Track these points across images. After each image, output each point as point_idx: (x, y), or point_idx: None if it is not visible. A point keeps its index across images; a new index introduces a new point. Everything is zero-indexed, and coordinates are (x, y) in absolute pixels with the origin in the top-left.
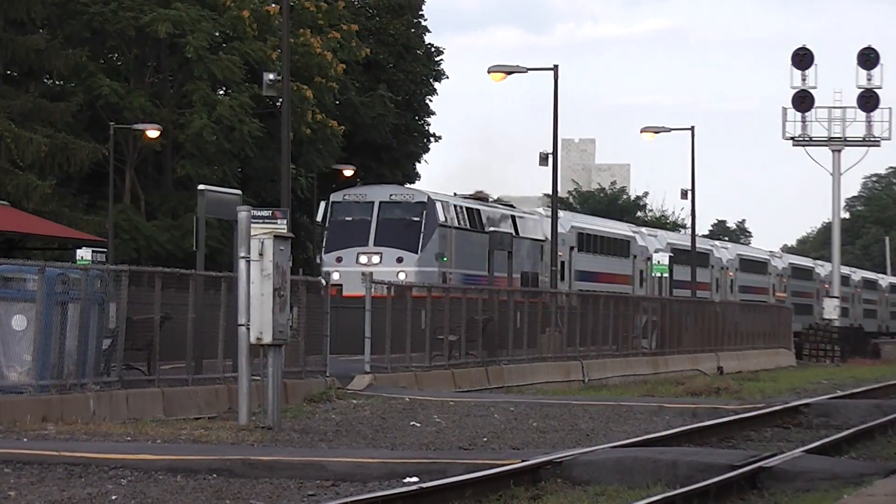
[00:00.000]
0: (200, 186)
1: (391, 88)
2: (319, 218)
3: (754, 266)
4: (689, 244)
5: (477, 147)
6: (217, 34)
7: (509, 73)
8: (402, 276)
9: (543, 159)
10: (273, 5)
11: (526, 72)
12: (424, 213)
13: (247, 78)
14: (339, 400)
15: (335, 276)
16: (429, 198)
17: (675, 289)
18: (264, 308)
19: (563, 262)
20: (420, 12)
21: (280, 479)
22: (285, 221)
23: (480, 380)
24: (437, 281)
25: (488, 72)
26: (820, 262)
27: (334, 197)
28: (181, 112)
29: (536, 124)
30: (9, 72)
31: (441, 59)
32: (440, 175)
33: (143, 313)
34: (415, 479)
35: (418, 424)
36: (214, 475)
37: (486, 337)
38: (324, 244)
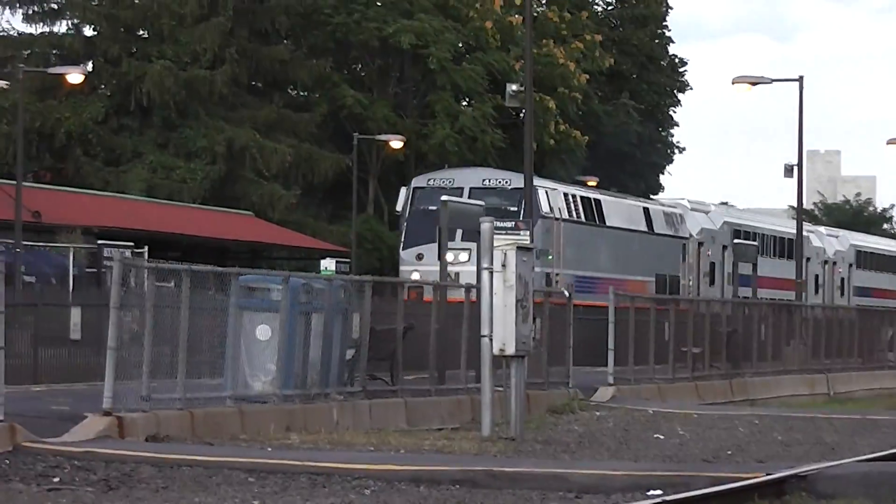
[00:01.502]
0: (443, 197)
1: (634, 99)
2: (399, 207)
3: None
4: (887, 247)
5: (721, 158)
6: (460, 45)
7: (754, 83)
8: None
9: (788, 171)
10: (516, 16)
11: (770, 83)
12: (524, 201)
13: (489, 88)
14: (581, 412)
15: (415, 277)
16: None
17: (861, 297)
18: (507, 319)
19: (712, 264)
20: (664, 23)
21: (522, 491)
22: (528, 233)
23: (724, 392)
24: (539, 283)
25: (732, 83)
26: None
27: (416, 182)
28: (424, 122)
29: (782, 134)
30: (253, 83)
31: (685, 70)
32: (684, 186)
33: (387, 323)
34: (658, 491)
35: (661, 437)
36: (457, 486)
37: (730, 349)
38: (402, 238)
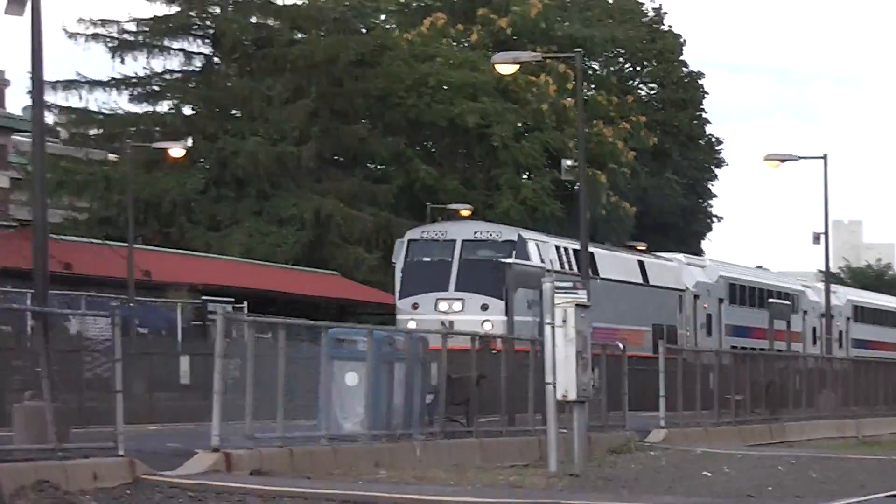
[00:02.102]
0: (509, 260)
1: (676, 174)
2: (395, 259)
3: None
4: (880, 302)
5: (756, 226)
6: (520, 125)
7: (783, 160)
8: (487, 326)
9: (816, 239)
10: (569, 99)
11: (798, 160)
12: (514, 253)
13: (547, 164)
14: (637, 452)
15: (411, 325)
16: (519, 236)
17: (859, 348)
18: (568, 369)
19: (709, 315)
20: (702, 106)
21: None
22: (585, 292)
23: (764, 435)
24: (531, 333)
25: (764, 160)
26: None
27: (411, 234)
28: (489, 194)
29: (810, 205)
30: (336, 157)
31: (721, 148)
32: (723, 252)
33: (462, 372)
34: None
35: (710, 474)
36: None
37: (769, 397)
38: (398, 289)
